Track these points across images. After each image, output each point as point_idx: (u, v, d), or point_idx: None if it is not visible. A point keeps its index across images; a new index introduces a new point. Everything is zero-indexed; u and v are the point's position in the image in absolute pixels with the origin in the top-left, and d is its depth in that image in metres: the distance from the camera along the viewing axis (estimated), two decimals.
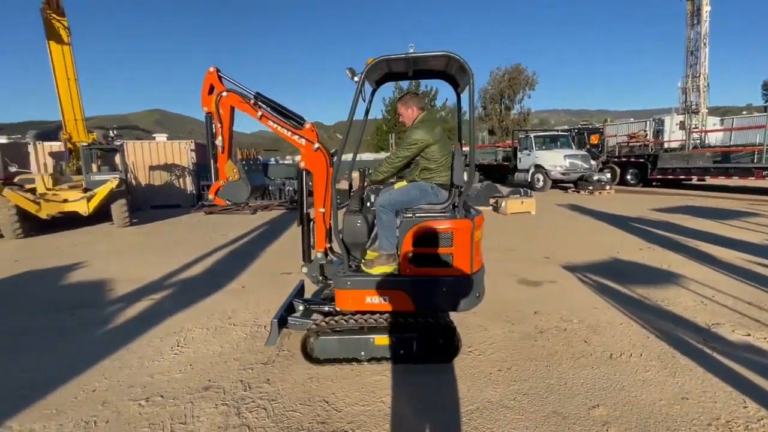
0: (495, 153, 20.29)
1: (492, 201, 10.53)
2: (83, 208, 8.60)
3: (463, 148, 2.89)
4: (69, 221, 9.15)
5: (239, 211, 11.44)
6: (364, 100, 2.77)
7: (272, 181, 14.12)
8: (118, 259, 6.15)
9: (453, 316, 3.47)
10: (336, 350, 2.74)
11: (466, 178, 2.63)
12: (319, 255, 2.94)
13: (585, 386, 2.46)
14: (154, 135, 16.19)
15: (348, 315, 2.77)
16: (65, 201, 8.56)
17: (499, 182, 15.97)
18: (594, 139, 17.40)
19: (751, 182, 12.67)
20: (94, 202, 8.66)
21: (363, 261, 2.82)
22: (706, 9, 16.10)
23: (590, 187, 13.32)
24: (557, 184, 14.89)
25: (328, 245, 2.99)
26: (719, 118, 20.84)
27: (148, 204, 12.88)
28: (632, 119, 23.95)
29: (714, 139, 18.25)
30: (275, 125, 2.88)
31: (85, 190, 8.87)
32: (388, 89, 34.00)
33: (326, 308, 3.00)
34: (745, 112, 29.03)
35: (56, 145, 12.40)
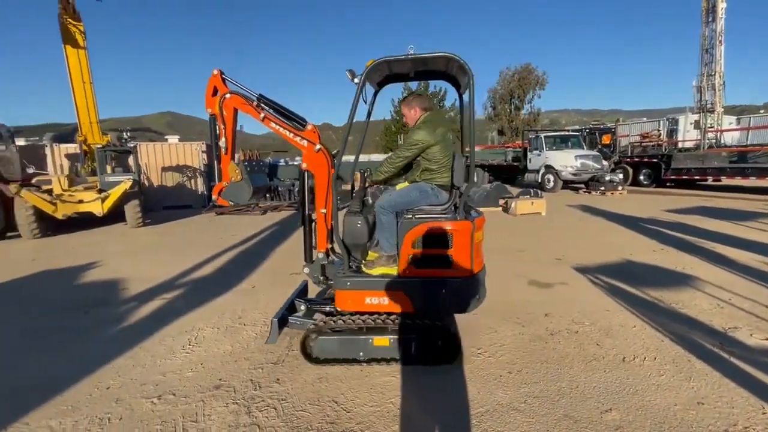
0: (505, 153, 20.13)
1: (502, 202, 10.45)
2: (98, 208, 8.77)
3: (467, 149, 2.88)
4: (84, 221, 9.34)
5: (249, 211, 11.55)
6: (365, 102, 2.79)
7: (281, 182, 14.22)
8: (131, 258, 6.26)
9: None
10: (335, 350, 2.75)
11: (473, 179, 2.62)
12: (321, 255, 2.96)
13: (597, 390, 2.43)
14: (166, 137, 16.44)
15: (348, 315, 2.78)
16: (80, 202, 8.73)
17: (509, 183, 15.85)
18: (606, 139, 17.17)
19: None
20: (109, 203, 8.83)
21: (363, 262, 2.83)
22: (721, 6, 15.76)
23: (602, 188, 13.13)
24: (568, 184, 14.70)
25: (330, 246, 3.00)
26: (735, 117, 20.36)
27: (160, 204, 13.06)
28: (645, 119, 23.52)
29: (730, 138, 17.85)
30: (277, 127, 2.91)
31: (100, 191, 9.04)
32: (397, 90, 34.02)
33: (327, 308, 3.02)
34: (762, 111, 28.35)
35: (72, 147, 12.66)
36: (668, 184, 14.99)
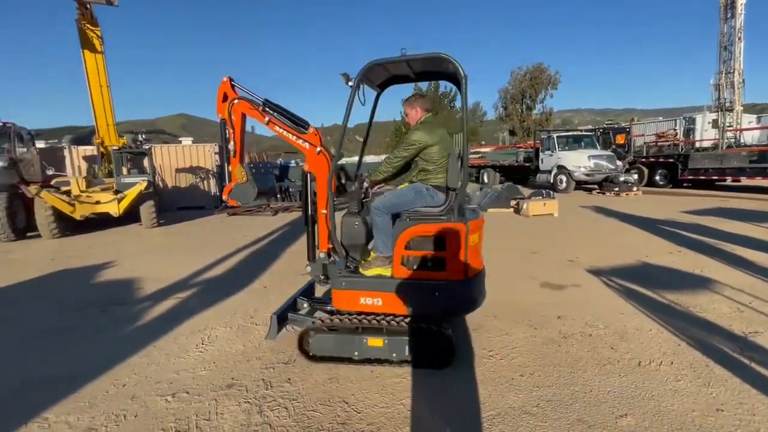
0: (516, 154, 19.92)
1: (513, 203, 10.36)
2: (114, 209, 8.97)
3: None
4: (101, 222, 9.57)
5: (260, 212, 11.67)
6: (362, 104, 2.83)
7: (292, 183, 14.33)
8: (146, 258, 6.38)
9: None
10: (331, 348, 2.77)
11: (467, 180, 2.61)
12: (322, 255, 2.99)
13: (612, 394, 2.38)
14: (180, 138, 16.72)
15: (346, 314, 2.79)
16: (97, 203, 8.95)
17: (521, 184, 15.68)
18: (620, 139, 16.85)
19: None
20: (124, 204, 9.02)
21: (362, 262, 2.85)
22: (741, 1, 15.35)
23: (616, 189, 12.90)
24: (581, 185, 14.49)
25: (331, 245, 3.03)
26: (756, 116, 19.79)
27: (174, 205, 13.29)
28: (661, 118, 23.04)
29: (750, 137, 17.36)
30: (281, 130, 3.01)
31: (116, 192, 9.25)
32: (407, 91, 33.99)
33: (329, 307, 3.04)
34: None
35: (89, 149, 12.98)
36: (685, 184, 14.66)
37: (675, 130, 19.23)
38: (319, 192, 2.92)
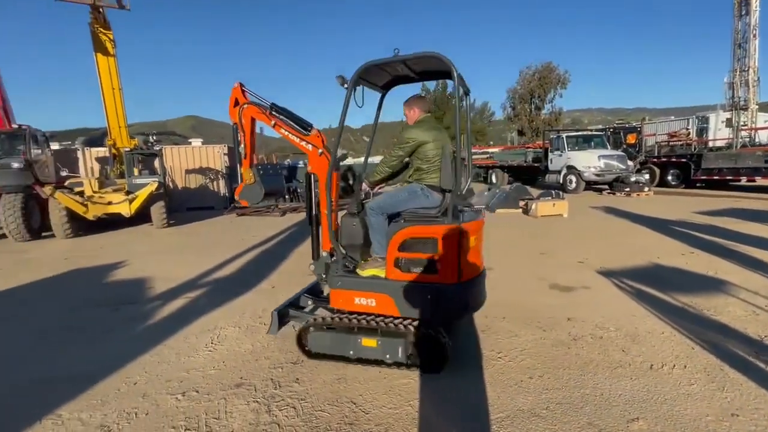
0: (525, 154, 19.76)
1: (521, 203, 10.28)
2: (126, 209, 9.11)
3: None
4: (112, 222, 9.72)
5: (269, 213, 11.75)
6: (359, 106, 2.85)
7: (300, 184, 14.39)
8: (156, 258, 6.46)
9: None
10: (327, 346, 2.78)
11: (461, 181, 2.60)
12: (325, 254, 3.01)
13: (623, 398, 2.35)
14: (190, 140, 16.92)
15: (346, 314, 2.79)
16: (110, 203, 9.10)
17: (530, 184, 15.56)
18: (631, 139, 16.63)
19: None
20: (136, 204, 9.16)
21: (361, 262, 2.87)
22: None
23: (627, 189, 12.72)
24: (591, 186, 14.32)
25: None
26: None
27: (184, 206, 13.44)
28: (673, 117, 22.67)
29: (765, 136, 17.00)
30: (286, 132, 3.09)
31: (128, 193, 9.40)
32: (414, 91, 33.94)
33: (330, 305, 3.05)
34: None
35: (102, 151, 13.20)
36: (698, 184, 14.41)
37: (687, 129, 18.91)
38: (323, 192, 2.95)
